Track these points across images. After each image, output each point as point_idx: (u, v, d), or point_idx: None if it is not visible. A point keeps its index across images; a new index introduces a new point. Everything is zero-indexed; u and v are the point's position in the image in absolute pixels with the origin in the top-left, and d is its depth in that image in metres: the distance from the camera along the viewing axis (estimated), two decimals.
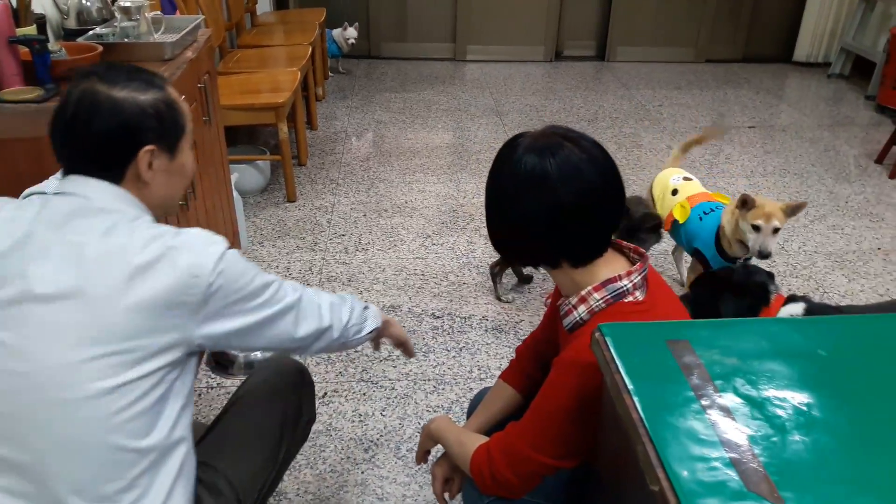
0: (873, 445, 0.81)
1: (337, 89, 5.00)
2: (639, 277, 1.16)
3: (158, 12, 2.31)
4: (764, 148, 4.19)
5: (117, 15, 2.09)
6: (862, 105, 5.01)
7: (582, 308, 1.16)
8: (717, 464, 0.77)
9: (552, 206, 1.08)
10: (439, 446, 1.42)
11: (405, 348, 1.58)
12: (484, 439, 1.29)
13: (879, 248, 3.09)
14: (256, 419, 1.35)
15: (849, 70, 5.64)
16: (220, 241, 1.09)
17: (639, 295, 1.15)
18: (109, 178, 1.10)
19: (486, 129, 4.35)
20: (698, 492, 0.73)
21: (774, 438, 0.81)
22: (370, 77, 5.33)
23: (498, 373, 2.23)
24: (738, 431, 0.82)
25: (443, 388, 2.18)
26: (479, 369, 2.27)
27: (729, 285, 1.65)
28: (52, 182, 1.19)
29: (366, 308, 1.40)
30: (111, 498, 1.01)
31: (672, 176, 2.59)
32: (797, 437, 0.81)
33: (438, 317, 2.54)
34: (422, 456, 1.52)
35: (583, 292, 1.15)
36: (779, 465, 0.76)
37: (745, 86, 5.39)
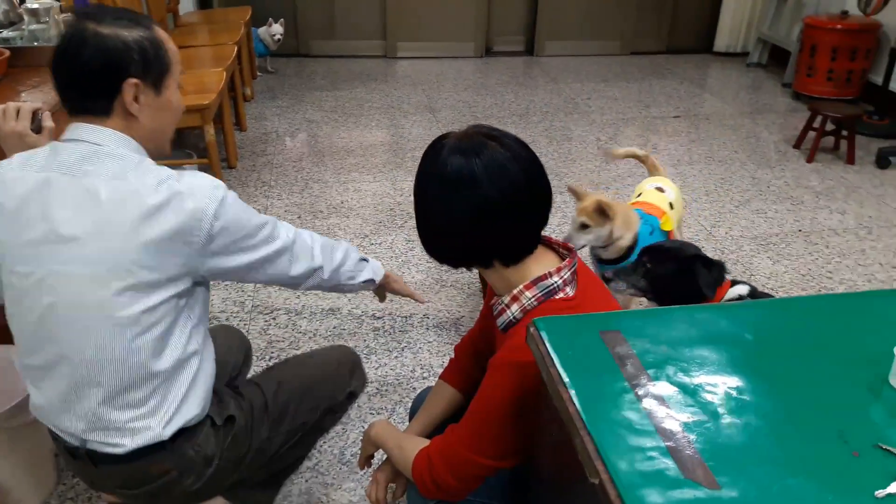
0: (802, 425, 0.84)
1: (266, 89, 4.90)
2: (568, 273, 1.17)
3: (71, 14, 2.20)
4: (689, 137, 4.31)
5: (25, 17, 1.99)
6: (779, 92, 5.22)
7: (514, 307, 1.16)
8: (654, 453, 0.78)
9: (479, 205, 1.08)
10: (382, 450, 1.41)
11: (414, 298, 1.82)
12: (425, 443, 1.28)
13: (800, 230, 3.23)
14: (312, 369, 1.57)
15: (766, 59, 5.86)
16: (220, 186, 1.21)
17: (569, 291, 1.16)
18: (99, 112, 1.19)
19: (421, 126, 4.34)
20: (637, 482, 0.74)
21: (708, 424, 0.83)
22: (300, 76, 5.25)
23: (441, 370, 2.23)
24: (672, 419, 0.83)
25: (386, 390, 2.17)
26: (421, 368, 2.27)
27: (695, 258, 1.69)
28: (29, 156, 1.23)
29: (363, 260, 1.59)
30: (134, 404, 1.21)
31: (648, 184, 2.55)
32: (729, 422, 0.83)
33: (379, 317, 2.52)
34: (364, 461, 1.51)
35: (515, 291, 1.16)
36: (713, 451, 0.78)
37: (668, 76, 5.53)
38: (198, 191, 1.18)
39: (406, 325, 2.48)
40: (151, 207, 1.13)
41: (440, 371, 2.21)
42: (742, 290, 1.68)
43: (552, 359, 0.94)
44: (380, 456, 1.46)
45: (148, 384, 1.21)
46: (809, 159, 3.99)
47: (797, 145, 4.17)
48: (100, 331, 1.16)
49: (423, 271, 2.79)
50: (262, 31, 4.95)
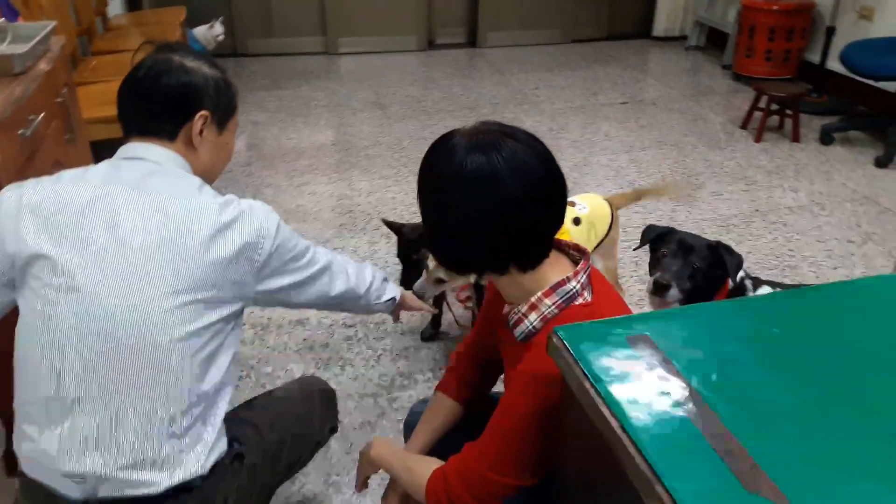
0: (856, 423, 0.80)
1: None
2: (584, 277, 1.13)
3: (2, 19, 2.04)
4: (639, 122, 4.34)
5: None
6: (719, 74, 5.31)
7: (533, 316, 1.11)
8: (712, 468, 0.73)
9: (502, 203, 1.02)
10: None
11: (426, 311, 1.89)
12: (434, 462, 1.22)
13: (757, 210, 3.28)
14: (291, 402, 1.52)
15: (704, 42, 5.96)
16: (274, 211, 1.26)
17: (587, 295, 1.12)
18: (165, 135, 1.24)
19: (371, 123, 4.24)
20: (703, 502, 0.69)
21: (759, 431, 0.78)
22: (239, 76, 5.06)
23: (422, 377, 2.17)
24: (721, 428, 0.79)
25: (367, 402, 2.09)
26: (401, 376, 2.19)
27: (719, 245, 1.63)
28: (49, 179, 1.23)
29: (385, 280, 1.63)
30: (179, 434, 1.15)
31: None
32: (779, 426, 0.79)
33: (350, 325, 2.43)
34: (363, 484, 1.43)
35: (533, 299, 1.11)
36: (771, 460, 0.74)
37: (611, 63, 5.57)
38: (259, 210, 1.22)
39: (379, 331, 2.40)
40: (222, 225, 1.16)
41: (421, 377, 2.16)
42: (743, 274, 1.67)
43: (582, 370, 0.88)
44: (379, 478, 1.39)
45: (193, 410, 1.16)
46: (757, 139, 4.06)
47: (743, 126, 4.24)
48: (157, 346, 1.12)
49: (390, 275, 2.71)
50: (200, 31, 4.74)
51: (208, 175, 1.33)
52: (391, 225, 2.11)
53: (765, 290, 1.67)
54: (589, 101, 4.70)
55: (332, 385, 2.06)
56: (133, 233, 1.13)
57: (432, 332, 2.33)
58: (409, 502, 1.35)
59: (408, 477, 1.25)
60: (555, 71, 5.33)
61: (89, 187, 1.16)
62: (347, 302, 1.50)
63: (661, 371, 0.88)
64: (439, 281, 1.89)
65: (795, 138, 4.05)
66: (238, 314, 1.25)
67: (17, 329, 1.17)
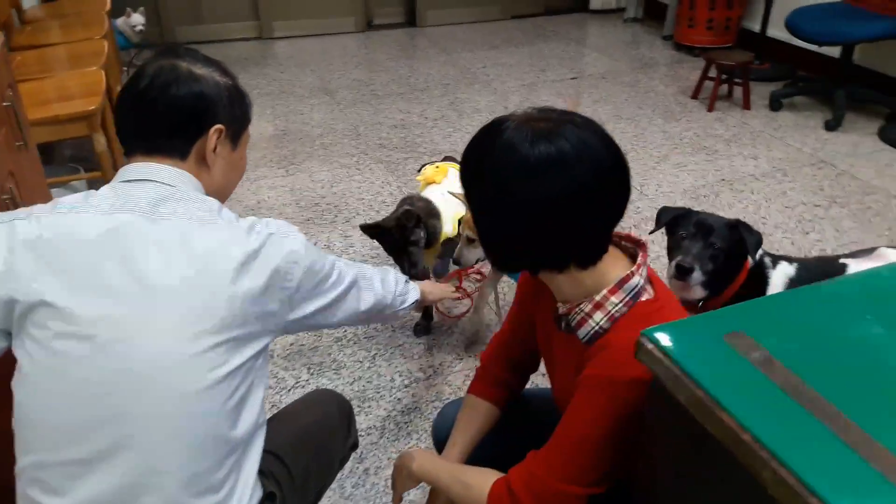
0: None
1: None
2: (645, 270, 1.06)
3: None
4: (592, 97, 4.32)
5: None
6: (660, 45, 5.35)
7: (598, 315, 1.04)
8: (866, 479, 0.68)
9: (571, 189, 0.95)
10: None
11: (449, 297, 1.81)
12: (491, 475, 1.14)
13: (723, 179, 3.30)
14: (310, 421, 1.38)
15: (641, 14, 5.99)
16: (297, 229, 1.14)
17: (650, 290, 1.06)
18: (175, 154, 1.10)
19: (321, 109, 4.07)
20: None
21: (877, 414, 0.73)
22: None
23: (422, 375, 2.08)
24: (859, 431, 0.73)
25: (368, 406, 1.98)
26: (400, 375, 2.09)
27: (738, 223, 1.57)
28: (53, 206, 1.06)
29: (406, 281, 1.50)
30: (215, 488, 1.02)
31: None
32: None
33: None
34: (399, 499, 1.34)
35: (597, 297, 1.04)
36: None
37: (553, 38, 5.53)
38: (285, 231, 1.10)
39: (370, 330, 2.29)
40: (251, 253, 1.03)
41: (421, 376, 2.07)
42: (762, 253, 1.63)
43: (691, 377, 0.81)
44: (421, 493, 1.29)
45: (227, 460, 1.04)
46: (710, 108, 4.10)
47: (694, 96, 4.28)
48: (185, 398, 0.98)
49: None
50: (119, 22, 4.43)
51: (220, 195, 1.17)
52: (371, 229, 2.00)
53: (783, 266, 1.64)
54: (539, 77, 4.65)
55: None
56: (152, 269, 0.98)
57: (425, 324, 2.24)
58: None
59: (463, 492, 1.17)
60: (500, 48, 5.25)
61: (96, 217, 1.00)
62: (376, 314, 1.38)
63: (769, 367, 0.82)
64: (470, 240, 1.83)
65: (746, 106, 4.11)
66: (267, 347, 1.12)
67: (15, 385, 1.01)
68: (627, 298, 1.03)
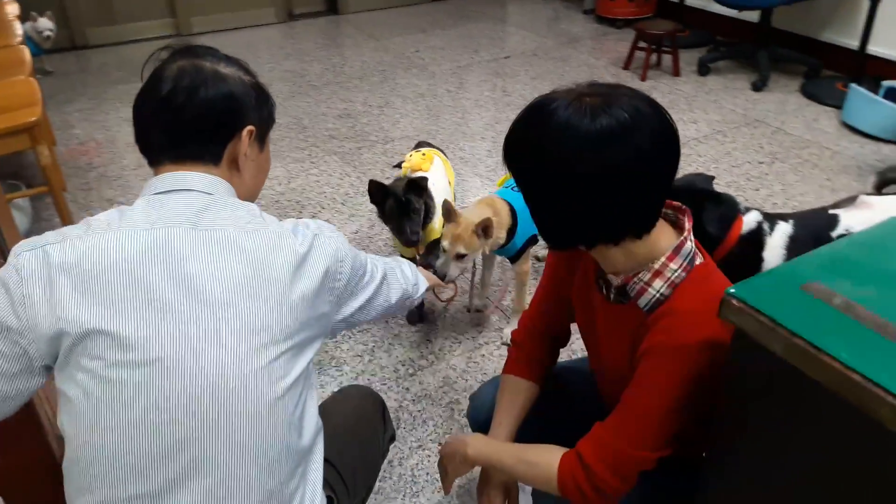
0: None
1: (55, 92, 4.14)
2: (692, 235, 1.09)
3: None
4: (529, 74, 4.37)
5: None
6: (582, 20, 5.46)
7: (658, 283, 1.06)
8: None
9: (633, 157, 0.97)
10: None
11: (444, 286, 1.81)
12: (555, 450, 1.16)
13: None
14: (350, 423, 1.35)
15: None
16: (334, 227, 1.11)
17: (699, 254, 1.09)
18: (209, 159, 1.05)
19: None
20: None
21: None
22: (88, 71, 4.53)
23: (425, 362, 2.08)
24: None
25: None
26: (403, 365, 2.08)
27: (704, 194, 1.61)
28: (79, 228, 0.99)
29: (415, 270, 1.46)
30: (286, 501, 1.00)
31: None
32: None
33: None
34: (451, 485, 1.34)
35: (656, 265, 1.06)
36: None
37: (478, 18, 5.55)
38: (327, 230, 1.07)
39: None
40: (301, 256, 1.00)
41: (424, 364, 2.06)
42: (756, 216, 1.66)
43: (788, 329, 0.84)
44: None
45: (296, 471, 1.02)
46: (643, 78, 4.22)
47: (626, 66, 4.39)
48: (256, 415, 0.95)
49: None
50: (27, 27, 4.15)
51: (250, 199, 1.14)
52: (378, 187, 1.95)
53: (781, 225, 1.68)
54: (474, 58, 4.66)
55: (332, 388, 1.94)
56: (206, 282, 0.93)
57: (418, 312, 2.23)
58: (511, 494, 1.29)
59: (530, 471, 1.18)
60: (428, 32, 5.23)
61: (137, 233, 0.95)
62: (399, 305, 1.35)
63: (853, 311, 0.86)
64: (460, 256, 1.80)
65: (676, 73, 4.25)
66: (315, 352, 1.09)
67: (65, 423, 0.94)
68: (685, 263, 1.06)
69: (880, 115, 3.31)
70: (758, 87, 3.99)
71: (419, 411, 1.90)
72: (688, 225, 1.10)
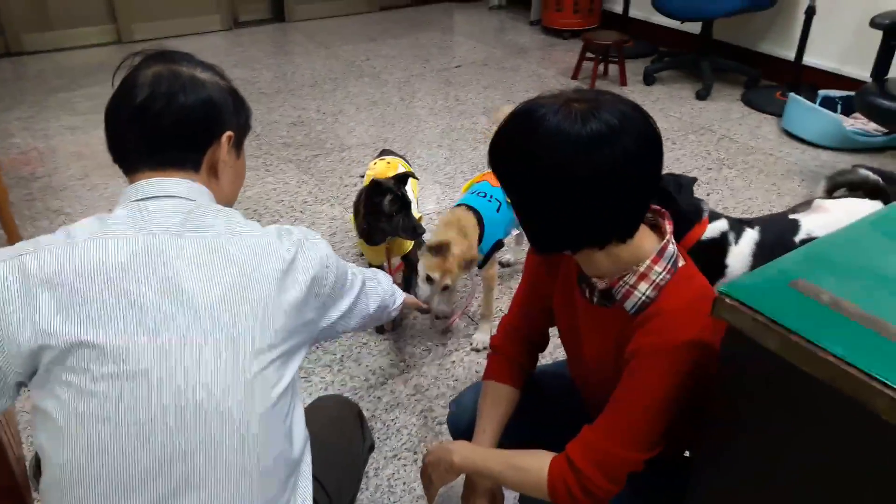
0: None
1: None
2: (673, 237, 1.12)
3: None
4: (481, 84, 4.41)
5: None
6: (529, 31, 5.54)
7: (643, 286, 1.08)
8: None
9: (620, 160, 0.98)
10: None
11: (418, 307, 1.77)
12: (544, 455, 1.16)
13: None
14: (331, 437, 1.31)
15: (505, 1, 6.18)
16: (318, 234, 1.10)
17: (681, 256, 1.12)
18: (189, 166, 1.02)
19: None
20: None
21: None
22: (25, 79, 4.35)
23: (395, 370, 2.07)
24: None
25: None
26: (374, 374, 2.05)
27: (667, 196, 1.63)
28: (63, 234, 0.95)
29: (392, 283, 1.49)
30: None
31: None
32: None
33: None
34: (435, 496, 1.33)
35: (641, 268, 1.08)
36: None
37: (427, 28, 5.58)
38: (312, 237, 1.06)
39: None
40: (288, 262, 0.98)
41: (395, 371, 2.05)
42: (722, 225, 1.70)
43: (782, 325, 0.87)
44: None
45: (289, 482, 1.01)
46: (591, 86, 4.31)
47: (574, 76, 4.48)
48: (251, 421, 0.93)
49: None
50: None
51: (227, 206, 1.11)
52: (377, 188, 1.92)
53: (749, 233, 1.71)
54: (424, 67, 4.67)
55: (307, 398, 1.89)
56: (194, 289, 0.91)
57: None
58: (497, 501, 1.29)
59: (518, 476, 1.18)
60: (378, 40, 5.22)
61: (120, 242, 0.91)
62: (377, 315, 1.35)
63: (840, 307, 0.89)
64: (446, 288, 1.80)
65: (623, 82, 4.36)
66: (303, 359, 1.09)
67: (44, 443, 0.90)
68: (669, 266, 1.08)
69: (819, 123, 3.46)
70: (702, 95, 4.13)
71: (392, 420, 1.88)
72: (668, 228, 1.13)
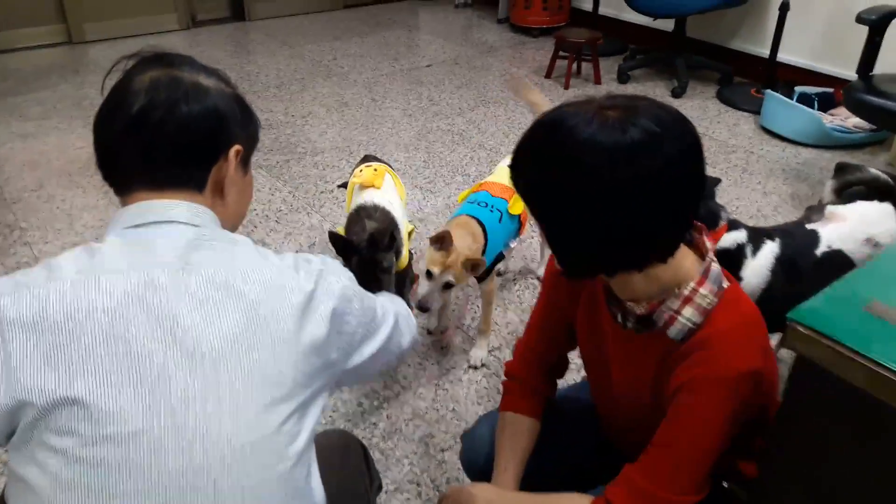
0: None
1: None
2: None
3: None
4: (453, 83, 4.29)
5: None
6: (497, 29, 5.44)
7: (688, 310, 0.98)
8: None
9: (663, 167, 0.89)
10: None
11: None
12: (576, 498, 1.06)
13: None
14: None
15: None
16: (339, 262, 0.98)
17: (724, 276, 1.02)
18: (192, 185, 0.90)
19: None
20: None
21: None
22: None
23: (390, 393, 1.94)
24: None
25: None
26: (367, 398, 1.92)
27: None
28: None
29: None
30: None
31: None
32: None
33: None
34: None
35: (685, 291, 0.98)
36: None
37: (393, 26, 5.44)
38: (332, 266, 0.93)
39: None
40: (307, 295, 0.86)
41: (390, 394, 1.92)
42: (740, 236, 1.59)
43: (867, 356, 0.78)
44: None
45: None
46: (566, 86, 4.23)
47: (548, 75, 4.39)
48: (268, 484, 0.80)
49: None
50: None
51: (232, 229, 0.99)
52: (339, 240, 1.72)
53: (768, 246, 1.60)
54: (394, 66, 4.54)
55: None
56: (200, 334, 0.79)
57: None
58: None
59: None
60: (343, 39, 5.07)
61: (113, 278, 0.79)
62: (406, 354, 1.21)
63: None
64: (448, 286, 1.67)
65: (597, 80, 4.29)
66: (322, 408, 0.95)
67: None
68: (714, 288, 0.99)
69: (798, 120, 3.44)
70: (677, 93, 4.08)
71: (391, 449, 1.76)
72: (709, 245, 1.03)
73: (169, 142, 0.88)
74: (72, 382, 0.74)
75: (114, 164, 0.91)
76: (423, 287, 1.70)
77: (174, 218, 0.87)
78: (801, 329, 0.83)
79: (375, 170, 2.02)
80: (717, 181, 1.68)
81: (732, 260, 1.60)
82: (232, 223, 0.99)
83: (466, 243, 1.74)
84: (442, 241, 1.71)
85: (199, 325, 0.79)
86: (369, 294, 1.01)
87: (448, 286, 1.71)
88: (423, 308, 1.68)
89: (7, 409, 0.74)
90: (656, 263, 0.97)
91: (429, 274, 1.71)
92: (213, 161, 0.92)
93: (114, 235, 0.86)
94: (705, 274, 0.99)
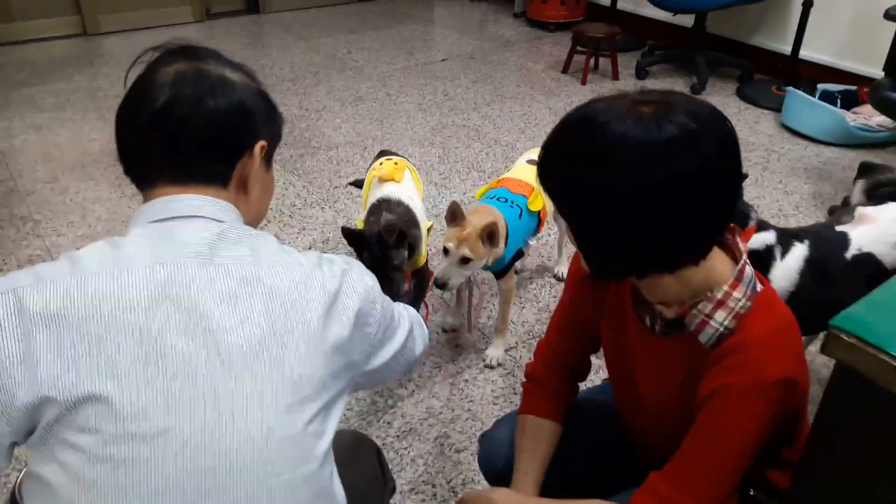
0: None
1: None
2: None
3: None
4: (469, 78, 4.25)
5: None
6: (513, 23, 5.39)
7: (721, 314, 0.94)
8: None
9: (700, 164, 0.86)
10: None
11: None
12: None
13: None
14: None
15: None
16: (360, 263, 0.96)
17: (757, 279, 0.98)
18: (217, 181, 0.89)
19: None
20: None
21: None
22: None
23: (404, 391, 1.91)
24: None
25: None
26: (381, 396, 1.89)
27: None
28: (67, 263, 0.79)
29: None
30: None
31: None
32: None
33: None
34: None
35: (718, 295, 0.94)
36: None
37: (408, 20, 5.40)
38: (356, 266, 0.92)
39: None
40: (332, 294, 0.85)
41: (403, 392, 1.89)
42: (769, 238, 1.54)
43: None
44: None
45: None
46: (583, 82, 4.18)
47: (565, 70, 4.34)
48: (297, 486, 0.79)
49: None
50: None
51: (255, 225, 0.98)
52: (352, 235, 1.72)
53: (797, 249, 1.55)
54: (409, 60, 4.50)
55: None
56: (227, 330, 0.77)
57: None
58: None
59: None
60: (359, 32, 5.03)
61: (138, 272, 0.77)
62: (418, 362, 1.21)
63: None
64: (465, 261, 1.64)
65: (615, 76, 4.24)
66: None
67: None
68: (748, 291, 0.95)
69: (820, 119, 3.37)
70: (696, 90, 4.02)
71: (405, 449, 1.73)
72: (742, 246, 0.99)
73: (194, 137, 0.87)
74: (96, 378, 0.72)
75: (137, 158, 0.90)
76: (441, 265, 1.68)
77: (199, 213, 0.86)
78: (843, 337, 0.79)
79: (396, 163, 1.99)
80: (745, 176, 1.64)
81: (761, 262, 1.56)
82: (253, 220, 0.98)
83: (485, 220, 1.71)
84: (454, 215, 1.69)
85: (227, 323, 0.77)
86: (388, 298, 1.00)
87: (465, 260, 1.69)
88: (441, 285, 1.66)
89: (29, 406, 0.72)
90: (689, 266, 0.94)
91: (445, 251, 1.69)
92: (238, 156, 0.91)
93: (138, 229, 0.84)
94: (739, 277, 0.95)
